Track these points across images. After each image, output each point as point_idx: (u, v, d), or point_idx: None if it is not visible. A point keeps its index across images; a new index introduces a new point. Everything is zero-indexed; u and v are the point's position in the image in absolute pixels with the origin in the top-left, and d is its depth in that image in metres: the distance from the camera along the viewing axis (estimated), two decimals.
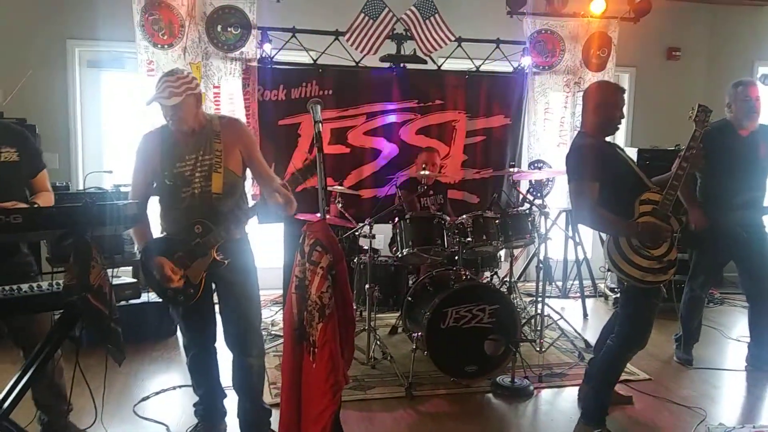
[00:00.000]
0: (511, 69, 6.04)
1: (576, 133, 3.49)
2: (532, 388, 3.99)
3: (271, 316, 5.41)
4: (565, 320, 5.01)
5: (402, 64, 5.65)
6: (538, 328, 4.70)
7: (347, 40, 5.41)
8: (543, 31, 6.12)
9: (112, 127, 6.04)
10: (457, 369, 4.02)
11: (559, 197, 6.20)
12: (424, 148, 5.43)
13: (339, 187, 4.97)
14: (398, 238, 4.39)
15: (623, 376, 4.03)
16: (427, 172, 4.69)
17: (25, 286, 2.36)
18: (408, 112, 5.77)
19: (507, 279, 5.11)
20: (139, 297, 2.79)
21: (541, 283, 4.68)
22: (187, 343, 3.25)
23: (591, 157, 3.23)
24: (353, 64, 5.56)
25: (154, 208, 3.10)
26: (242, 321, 3.09)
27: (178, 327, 3.52)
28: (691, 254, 4.57)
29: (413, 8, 5.49)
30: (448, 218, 4.42)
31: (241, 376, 3.17)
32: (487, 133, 5.99)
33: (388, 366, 4.24)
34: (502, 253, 5.31)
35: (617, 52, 6.27)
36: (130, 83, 5.72)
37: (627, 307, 3.37)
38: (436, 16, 5.51)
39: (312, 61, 5.50)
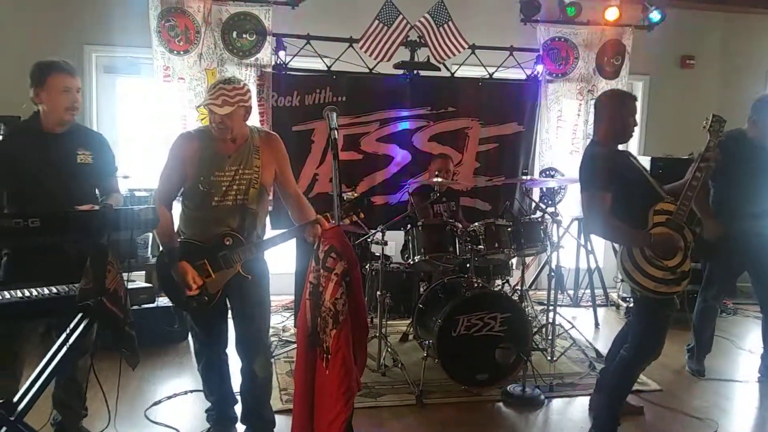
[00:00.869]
0: (524, 76, 6.04)
1: (588, 142, 3.49)
2: (543, 397, 3.97)
3: (283, 322, 5.42)
4: (577, 329, 4.99)
5: (415, 71, 5.66)
6: (550, 337, 4.68)
7: (361, 47, 5.44)
8: (556, 39, 6.12)
9: (127, 132, 6.09)
10: (467, 377, 4.01)
11: (571, 205, 6.18)
12: (437, 155, 5.43)
13: (351, 195, 4.97)
14: (410, 245, 4.39)
15: (635, 386, 4.01)
16: (440, 179, 4.69)
17: (45, 290, 2.37)
18: (421, 119, 5.79)
19: (518, 287, 5.09)
20: (153, 302, 2.80)
21: (552, 292, 4.67)
22: (199, 349, 3.27)
23: (602, 167, 3.23)
24: (367, 70, 5.58)
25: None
26: (253, 327, 3.10)
27: (190, 332, 3.54)
28: (705, 264, 4.54)
29: (427, 15, 5.50)
30: (460, 225, 4.42)
31: (247, 383, 3.18)
32: (500, 141, 5.99)
33: (399, 373, 4.24)
34: (514, 261, 5.30)
35: (631, 60, 6.26)
36: (146, 89, 5.76)
37: (640, 318, 3.36)
38: (450, 23, 5.53)
39: (326, 68, 5.52)
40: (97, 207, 2.75)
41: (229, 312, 3.19)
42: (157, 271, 3.05)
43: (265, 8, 5.40)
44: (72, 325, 2.34)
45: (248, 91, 2.93)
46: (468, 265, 4.39)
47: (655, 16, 6.08)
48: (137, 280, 2.81)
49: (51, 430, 3.16)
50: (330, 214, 2.89)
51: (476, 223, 4.42)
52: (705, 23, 7.08)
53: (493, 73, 5.90)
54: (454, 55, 5.60)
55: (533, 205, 5.41)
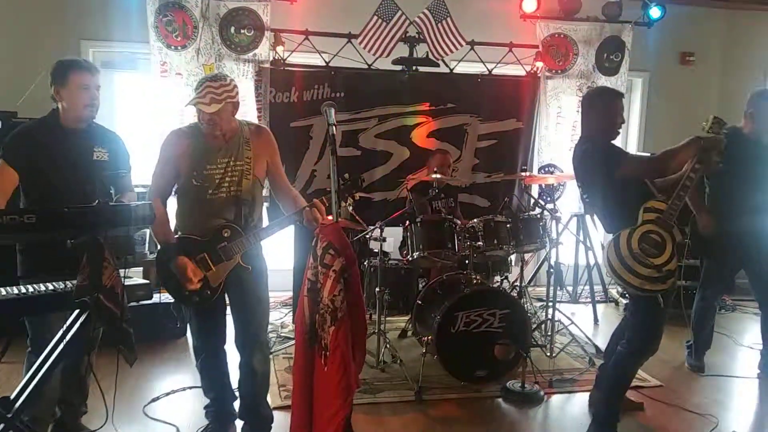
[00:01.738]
0: (523, 72, 6.03)
1: (580, 139, 3.49)
2: (542, 393, 3.96)
3: (281, 318, 5.41)
4: (576, 325, 4.98)
5: (414, 67, 5.65)
6: (549, 334, 4.68)
7: (360, 43, 5.42)
8: (556, 35, 6.11)
9: (125, 128, 6.05)
10: (467, 373, 4.01)
11: (570, 202, 6.18)
12: (436, 150, 5.42)
13: (359, 193, 4.94)
14: (409, 242, 4.38)
15: (634, 382, 4.00)
16: (439, 176, 4.68)
17: (42, 286, 2.36)
18: (420, 115, 5.77)
19: (517, 283, 5.08)
20: (150, 298, 2.79)
21: (552, 288, 4.65)
22: (197, 345, 3.26)
23: (603, 156, 3.25)
24: (365, 66, 5.56)
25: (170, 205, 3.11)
26: (252, 322, 3.10)
27: (189, 328, 3.53)
28: (702, 261, 4.54)
29: (426, 11, 5.49)
30: (459, 222, 4.41)
31: (245, 379, 3.18)
32: (499, 137, 5.97)
33: (398, 370, 4.23)
34: (513, 257, 5.30)
35: (630, 56, 6.24)
36: (143, 85, 5.74)
37: (636, 315, 3.37)
38: (449, 19, 5.51)
39: (324, 64, 5.50)
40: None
41: (228, 308, 3.18)
42: (157, 267, 3.05)
43: (263, 3, 5.38)
44: (69, 322, 2.34)
45: (235, 86, 2.95)
46: (467, 261, 4.38)
47: (655, 12, 6.08)
48: (134, 277, 2.80)
49: (49, 425, 3.15)
50: (326, 199, 2.88)
51: (475, 220, 4.41)
52: (705, 20, 7.05)
53: (493, 69, 5.88)
54: (453, 51, 5.58)
55: (532, 201, 5.40)
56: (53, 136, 2.96)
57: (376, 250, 4.48)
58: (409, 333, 4.91)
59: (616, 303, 6.30)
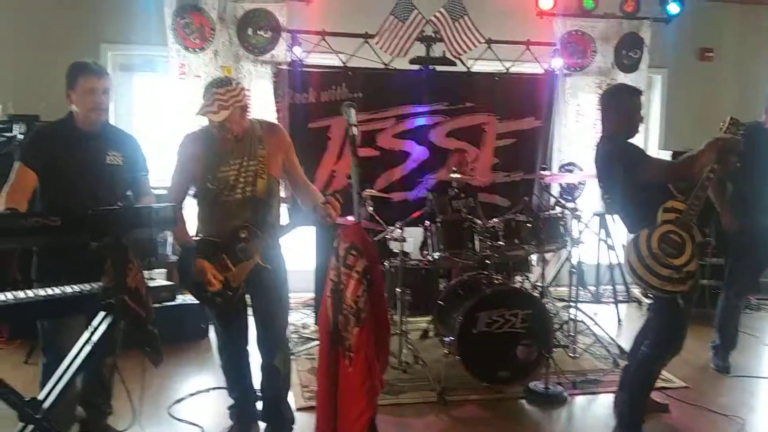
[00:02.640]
0: (541, 71, 5.99)
1: (601, 139, 3.47)
2: (566, 394, 3.92)
3: (303, 319, 5.41)
4: (599, 326, 4.93)
5: (431, 66, 5.63)
6: (572, 334, 4.63)
7: (376, 43, 5.41)
8: (574, 32, 6.05)
9: (144, 130, 6.09)
10: (489, 374, 3.97)
11: (591, 200, 6.12)
12: (454, 150, 5.39)
13: (370, 191, 4.94)
14: (429, 242, 4.35)
15: (659, 383, 3.95)
16: (458, 175, 4.65)
17: (69, 288, 2.37)
18: (438, 115, 5.75)
19: (539, 283, 5.04)
20: (174, 299, 2.81)
21: (573, 288, 4.61)
22: (221, 346, 3.27)
23: (622, 157, 3.24)
24: (382, 66, 5.55)
25: (190, 209, 3.12)
26: (273, 322, 3.12)
27: (213, 329, 3.53)
28: (727, 260, 4.48)
29: (442, 10, 5.47)
30: (479, 222, 4.38)
31: (267, 379, 3.18)
32: (518, 136, 5.94)
33: (420, 370, 4.21)
34: (534, 257, 5.25)
35: (649, 53, 6.17)
36: (162, 86, 5.77)
37: (659, 314, 3.35)
38: (466, 17, 5.49)
39: (341, 64, 5.50)
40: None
41: (249, 309, 3.19)
42: (179, 269, 3.05)
43: (280, 4, 5.39)
44: (95, 324, 2.35)
45: (242, 89, 2.94)
46: (487, 261, 4.35)
47: (673, 8, 6.01)
48: (158, 279, 2.81)
49: (76, 426, 3.16)
50: (338, 195, 2.87)
51: (495, 219, 4.38)
52: (723, 14, 6.96)
53: (510, 67, 5.85)
54: (470, 49, 5.56)
55: (552, 200, 5.36)
56: (68, 138, 2.97)
57: (396, 251, 4.46)
58: (431, 334, 4.88)
59: (639, 303, 6.23)
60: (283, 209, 3.39)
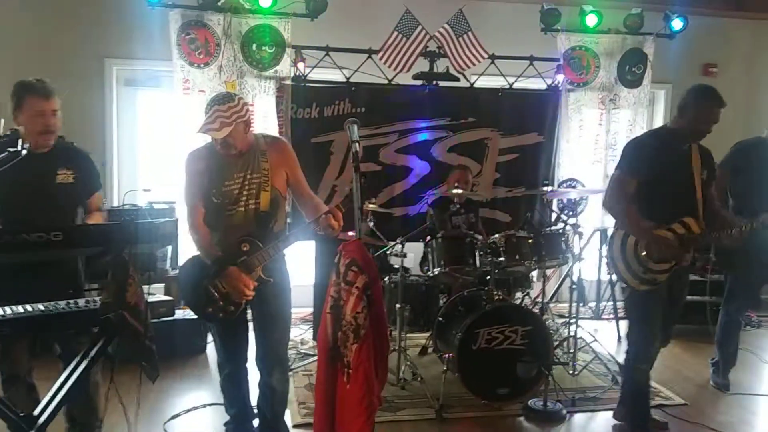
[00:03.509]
0: (544, 86, 6.00)
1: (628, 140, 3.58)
2: (564, 411, 3.90)
3: (301, 335, 5.39)
4: (599, 342, 4.91)
5: (435, 82, 5.65)
6: (571, 351, 4.61)
7: (380, 58, 5.44)
8: (577, 48, 6.07)
9: (147, 145, 6.13)
10: (488, 391, 3.95)
11: (592, 216, 6.10)
12: (456, 166, 5.40)
13: (371, 206, 4.95)
14: (430, 257, 4.35)
15: (659, 401, 3.96)
16: (459, 191, 4.65)
17: (62, 303, 2.38)
18: (440, 130, 5.76)
19: (539, 300, 5.03)
20: (173, 315, 2.80)
21: (574, 305, 4.59)
22: (222, 361, 3.25)
23: (638, 153, 3.32)
24: (386, 81, 5.57)
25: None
26: (273, 339, 3.10)
27: (213, 345, 3.53)
28: (726, 277, 4.46)
29: (446, 26, 5.49)
30: (480, 237, 4.37)
31: (264, 397, 3.17)
32: (520, 151, 5.94)
33: (419, 387, 4.19)
34: (534, 273, 5.24)
35: (653, 68, 6.18)
36: (166, 102, 5.80)
37: (629, 316, 3.54)
38: (469, 33, 5.51)
39: (345, 79, 5.53)
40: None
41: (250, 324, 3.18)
42: (180, 284, 3.05)
43: (284, 20, 5.42)
44: (93, 340, 2.35)
45: (244, 104, 2.95)
46: (488, 277, 4.34)
47: (677, 24, 6.02)
48: (157, 293, 2.81)
49: None
50: (340, 206, 2.86)
51: (496, 235, 4.37)
52: (727, 30, 6.99)
53: (513, 83, 5.86)
54: (473, 65, 5.58)
55: (554, 216, 5.35)
56: (11, 160, 2.78)
57: (396, 266, 4.46)
58: (430, 350, 4.86)
59: None
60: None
